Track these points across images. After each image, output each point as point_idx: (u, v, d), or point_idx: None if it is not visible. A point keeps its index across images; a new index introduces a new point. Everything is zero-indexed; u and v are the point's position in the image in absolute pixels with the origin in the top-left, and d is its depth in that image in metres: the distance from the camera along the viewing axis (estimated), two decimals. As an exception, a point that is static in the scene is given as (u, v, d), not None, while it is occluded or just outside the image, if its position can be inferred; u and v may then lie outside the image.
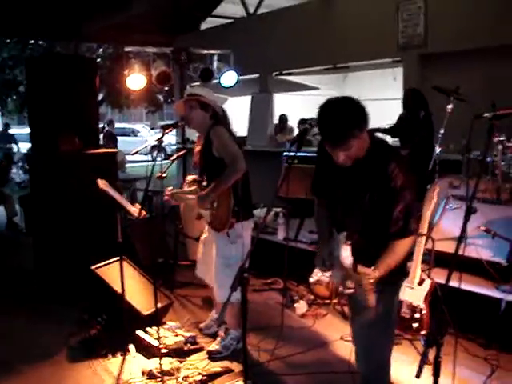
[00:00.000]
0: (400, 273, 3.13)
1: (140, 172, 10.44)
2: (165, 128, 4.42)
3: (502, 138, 5.68)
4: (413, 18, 8.80)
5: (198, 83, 7.53)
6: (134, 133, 28.19)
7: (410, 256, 3.43)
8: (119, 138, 16.11)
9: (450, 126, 5.96)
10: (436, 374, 2.17)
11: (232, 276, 2.70)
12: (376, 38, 9.20)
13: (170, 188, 4.92)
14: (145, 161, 5.78)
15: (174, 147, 13.21)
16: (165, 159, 8.77)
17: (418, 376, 2.06)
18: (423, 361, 2.06)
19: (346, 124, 2.72)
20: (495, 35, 7.58)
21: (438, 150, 6.06)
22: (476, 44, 7.80)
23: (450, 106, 6.06)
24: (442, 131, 6.06)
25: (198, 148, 4.88)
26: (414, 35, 8.81)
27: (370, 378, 3.20)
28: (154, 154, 4.36)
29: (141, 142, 15.68)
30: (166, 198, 4.90)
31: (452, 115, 6.01)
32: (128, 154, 10.74)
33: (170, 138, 15.84)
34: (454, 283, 2.51)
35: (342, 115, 2.73)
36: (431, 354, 2.20)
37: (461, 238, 2.18)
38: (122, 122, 34.43)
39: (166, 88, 12.42)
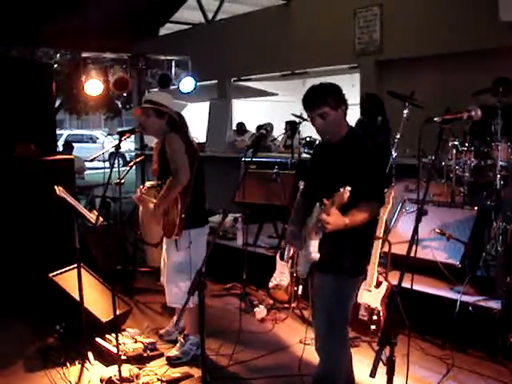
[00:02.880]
0: (357, 267, 3.35)
1: (99, 179, 10.35)
2: (121, 134, 4.38)
3: (456, 143, 5.80)
4: (369, 24, 8.96)
5: (156, 89, 7.51)
6: (92, 139, 27.88)
7: (368, 257, 3.53)
8: (78, 145, 15.96)
9: (406, 130, 6.06)
10: (390, 373, 2.21)
11: (177, 282, 2.72)
12: (333, 44, 9.35)
13: (144, 188, 4.91)
14: (104, 167, 5.75)
15: (133, 153, 13.13)
16: (124, 166, 8.73)
17: (372, 375, 2.09)
18: (377, 360, 2.09)
19: (321, 91, 3.28)
20: (448, 43, 7.78)
21: (394, 154, 6.16)
22: (430, 51, 8.01)
23: (405, 111, 6.18)
24: (398, 136, 6.16)
25: (155, 154, 4.86)
26: (370, 42, 8.97)
27: (325, 372, 3.37)
28: (112, 161, 4.33)
29: (99, 149, 15.54)
30: (135, 196, 4.89)
31: (408, 120, 6.12)
32: (86, 161, 10.65)
33: (129, 145, 15.73)
34: (407, 285, 2.55)
35: (320, 86, 3.31)
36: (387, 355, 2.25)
37: (412, 240, 2.22)
38: (80, 128, 34.06)
39: (125, 94, 12.34)
